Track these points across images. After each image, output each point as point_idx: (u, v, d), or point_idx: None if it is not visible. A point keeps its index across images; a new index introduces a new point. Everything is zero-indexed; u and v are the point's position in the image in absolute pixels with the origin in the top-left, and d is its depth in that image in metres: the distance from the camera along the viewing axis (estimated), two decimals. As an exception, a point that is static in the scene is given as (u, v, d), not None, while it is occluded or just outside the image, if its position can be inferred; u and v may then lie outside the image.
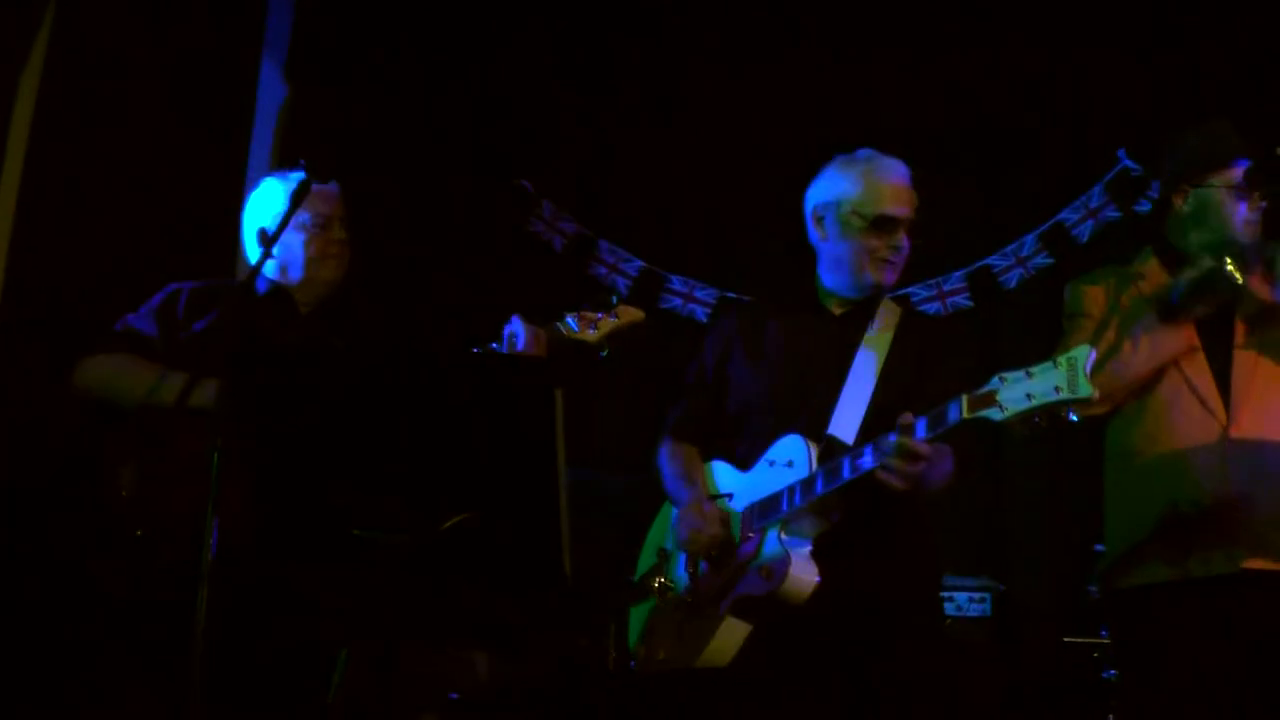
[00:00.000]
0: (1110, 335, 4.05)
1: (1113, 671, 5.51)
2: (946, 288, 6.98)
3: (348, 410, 3.23)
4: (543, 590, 4.67)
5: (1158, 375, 4.08)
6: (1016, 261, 7.01)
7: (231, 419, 3.22)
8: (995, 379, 3.46)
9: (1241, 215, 4.09)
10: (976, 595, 6.11)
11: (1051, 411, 3.41)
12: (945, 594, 5.95)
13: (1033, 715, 5.98)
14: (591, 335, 4.55)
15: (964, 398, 3.51)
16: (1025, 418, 3.42)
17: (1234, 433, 3.98)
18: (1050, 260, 6.95)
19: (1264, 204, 3.98)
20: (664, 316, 7.11)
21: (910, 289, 6.86)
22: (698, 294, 7.17)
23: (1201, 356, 4.07)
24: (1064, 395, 3.35)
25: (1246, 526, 3.90)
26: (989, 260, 7.03)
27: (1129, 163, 6.90)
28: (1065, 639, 5.95)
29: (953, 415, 3.53)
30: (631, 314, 4.46)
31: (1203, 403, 4.02)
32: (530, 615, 5.31)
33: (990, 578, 6.21)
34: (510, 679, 5.33)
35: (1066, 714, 5.90)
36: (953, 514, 6.27)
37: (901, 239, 4.05)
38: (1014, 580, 6.37)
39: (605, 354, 4.63)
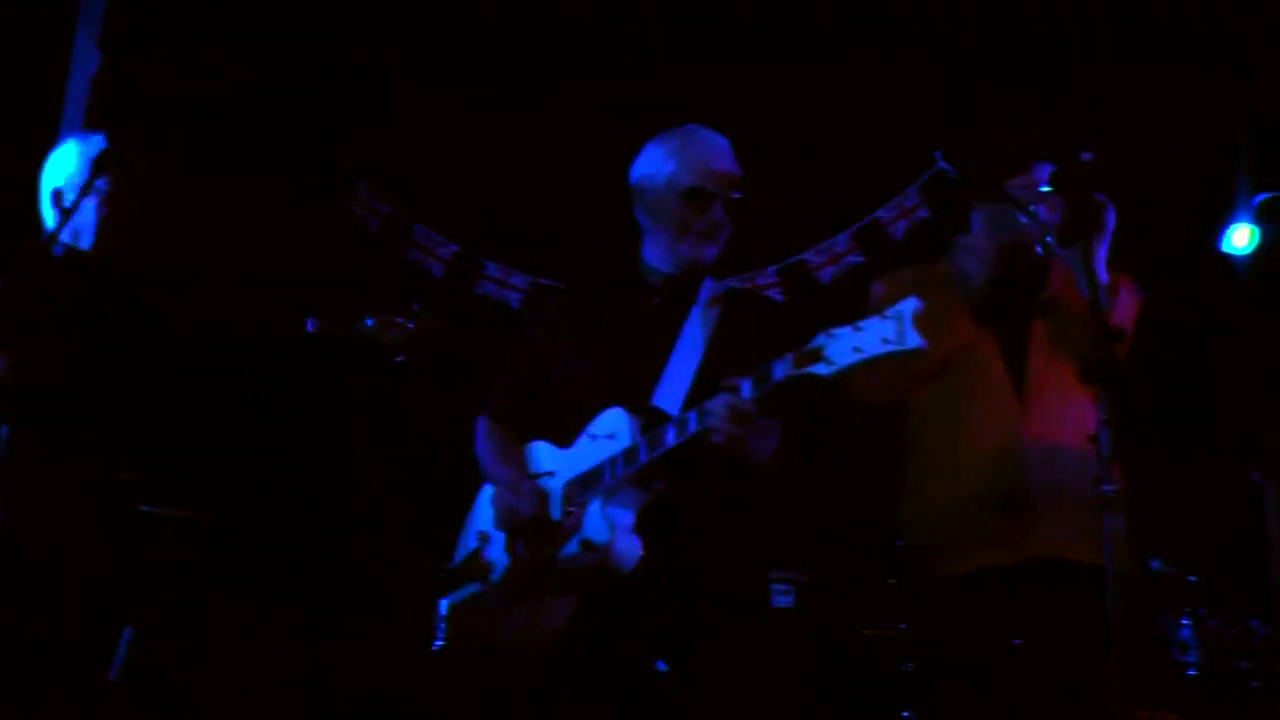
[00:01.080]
0: None
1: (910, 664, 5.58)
2: (759, 281, 7.02)
3: (138, 387, 3.15)
4: (339, 570, 4.62)
5: (956, 372, 4.13)
6: (830, 258, 7.08)
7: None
8: (821, 335, 3.44)
9: (1042, 217, 4.16)
10: (780, 586, 6.14)
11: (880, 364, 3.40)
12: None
13: (834, 707, 6.03)
14: (391, 338, 4.53)
15: (790, 355, 3.49)
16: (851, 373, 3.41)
17: (1028, 432, 4.04)
18: (863, 258, 7.03)
19: (1065, 207, 4.03)
20: (478, 302, 7.05)
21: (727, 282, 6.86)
22: (512, 280, 7.13)
23: (998, 355, 4.13)
24: (892, 347, 3.32)
25: (1038, 523, 3.97)
26: (803, 256, 7.09)
27: (944, 164, 7.01)
28: (865, 630, 6.00)
29: (778, 372, 3.51)
30: (432, 323, 4.43)
31: (999, 401, 4.08)
32: (333, 596, 5.23)
33: (793, 569, 6.24)
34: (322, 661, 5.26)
35: (865, 707, 5.96)
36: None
37: (717, 213, 4.03)
38: (821, 572, 6.40)
39: (402, 359, 4.60)
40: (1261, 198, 4.93)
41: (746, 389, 3.59)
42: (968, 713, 3.99)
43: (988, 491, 4.02)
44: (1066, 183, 3.93)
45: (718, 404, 3.60)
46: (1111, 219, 4.00)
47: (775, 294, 7.01)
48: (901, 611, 5.55)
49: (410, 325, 4.48)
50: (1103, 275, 3.98)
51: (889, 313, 3.34)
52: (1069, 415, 4.05)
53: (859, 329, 3.37)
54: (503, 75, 7.27)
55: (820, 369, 3.42)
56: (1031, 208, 4.07)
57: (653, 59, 7.18)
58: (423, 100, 7.26)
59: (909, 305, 3.33)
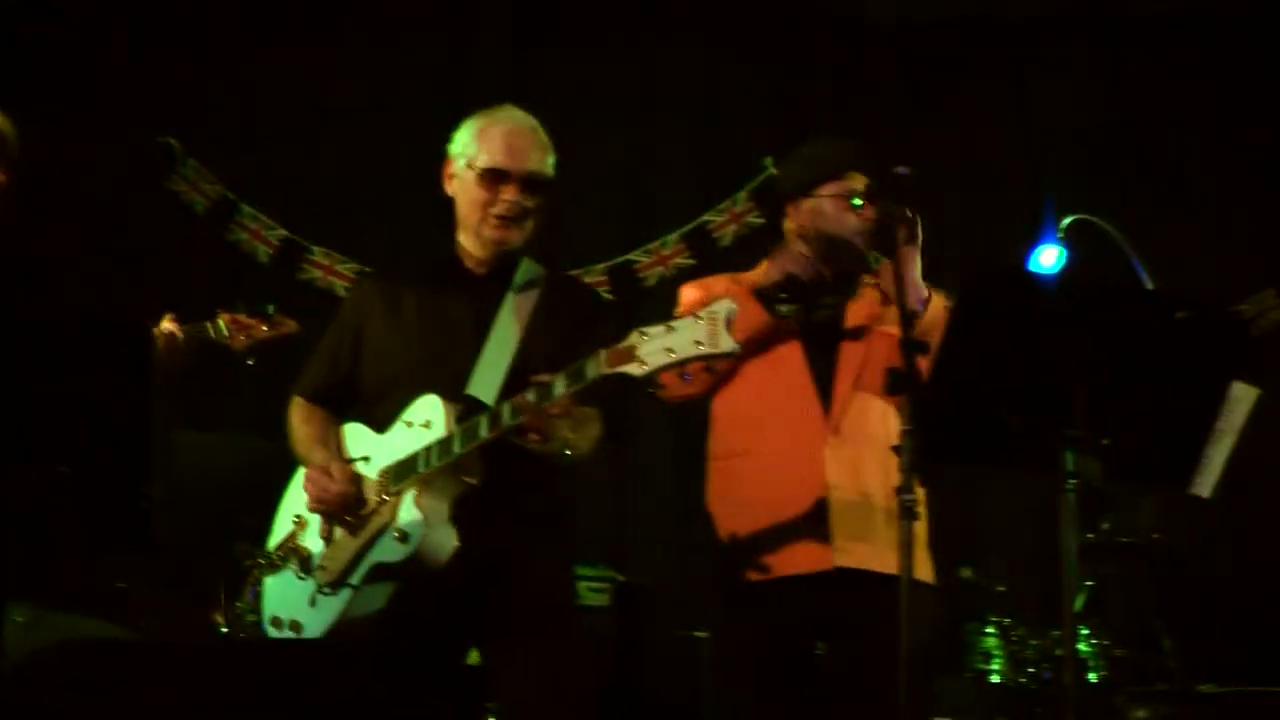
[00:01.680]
0: None
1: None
2: (588, 280, 7.02)
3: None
4: (131, 551, 4.53)
5: (763, 379, 4.16)
6: (658, 259, 7.10)
7: None
8: (635, 333, 3.42)
9: (852, 227, 4.21)
10: (596, 585, 6.14)
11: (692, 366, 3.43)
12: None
13: (640, 709, 6.05)
14: (241, 342, 4.47)
15: (602, 353, 3.48)
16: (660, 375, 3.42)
17: (833, 439, 4.09)
18: (693, 261, 7.07)
19: (877, 219, 4.07)
20: (302, 288, 6.97)
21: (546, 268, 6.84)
22: (339, 268, 7.05)
23: (804, 362, 4.17)
24: (705, 350, 3.32)
25: (840, 530, 4.03)
26: (630, 256, 7.11)
27: (775, 172, 7.06)
28: (678, 633, 6.03)
29: (590, 371, 3.50)
30: (286, 326, 4.38)
31: (805, 409, 4.13)
32: (131, 577, 5.13)
33: (611, 567, 6.25)
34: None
35: (668, 710, 5.99)
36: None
37: (515, 195, 3.97)
38: (636, 572, 6.42)
39: (252, 363, 4.53)
40: (1069, 220, 5.06)
41: (558, 387, 3.58)
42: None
43: (792, 499, 4.06)
44: (880, 194, 3.98)
45: (529, 401, 3.59)
46: (919, 233, 4.07)
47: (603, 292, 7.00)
48: (709, 614, 5.56)
49: (266, 327, 4.43)
50: (920, 289, 4.05)
51: (703, 314, 3.34)
52: (874, 425, 4.11)
53: (672, 329, 3.37)
54: (333, 61, 7.21)
55: (632, 369, 3.42)
56: (843, 215, 4.14)
57: (482, 52, 7.18)
58: (253, 80, 7.16)
59: (723, 307, 3.34)
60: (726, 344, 3.32)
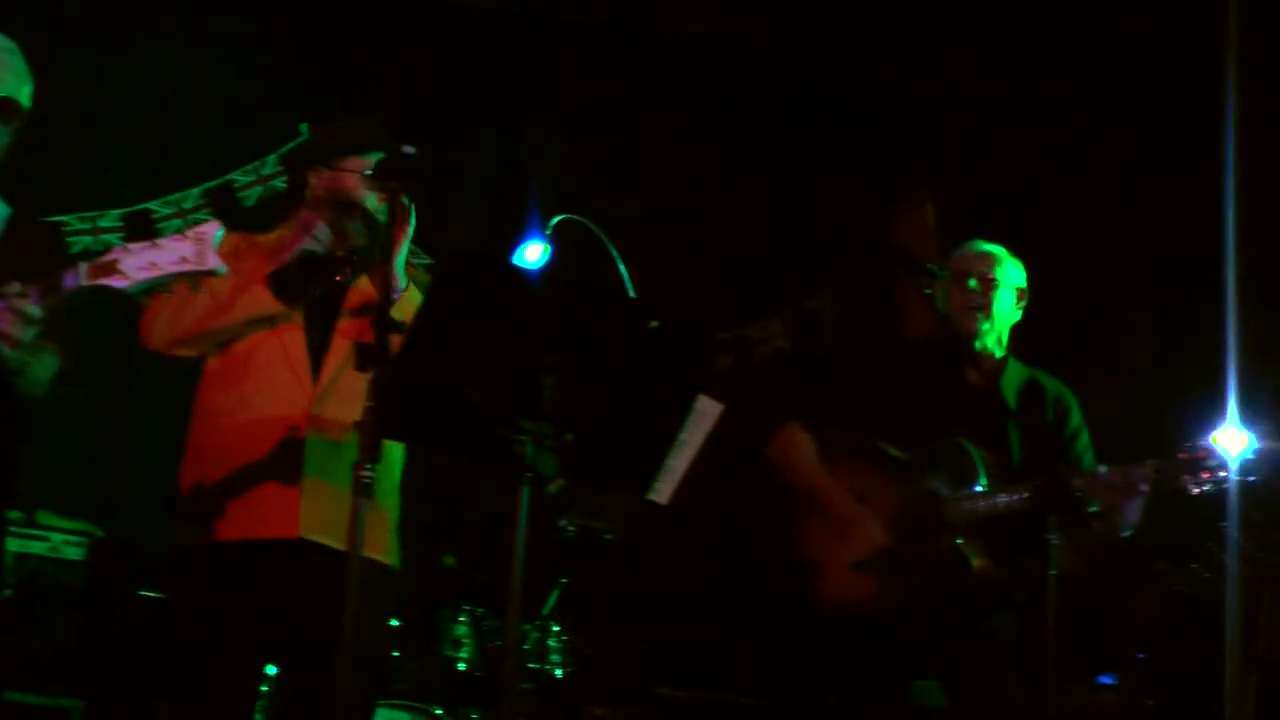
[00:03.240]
0: (216, 282, 4.02)
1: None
2: (101, 224, 6.78)
3: None
4: None
5: (258, 343, 4.10)
6: (178, 212, 6.92)
7: None
8: (118, 248, 3.46)
9: (365, 200, 4.19)
10: (72, 539, 5.93)
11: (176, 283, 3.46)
12: (40, 532, 5.78)
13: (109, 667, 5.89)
14: None
15: (82, 265, 3.44)
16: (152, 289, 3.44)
17: (317, 412, 4.06)
18: (211, 218, 6.89)
19: (392, 195, 4.05)
20: None
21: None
22: None
23: (301, 330, 4.13)
24: (190, 267, 3.38)
25: (309, 502, 4.00)
26: (150, 205, 6.90)
27: (309, 139, 6.98)
28: (142, 592, 5.89)
29: (69, 281, 3.45)
30: None
31: (295, 378, 4.08)
32: None
33: (94, 523, 6.06)
34: None
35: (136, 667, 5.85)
36: (56, 449, 6.15)
37: None
38: (118, 528, 6.24)
39: None
40: (557, 219, 5.18)
41: (34, 296, 3.51)
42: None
43: (266, 465, 4.01)
44: (386, 173, 3.97)
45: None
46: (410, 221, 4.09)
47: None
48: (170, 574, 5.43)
49: None
50: (403, 274, 4.06)
51: (190, 233, 3.41)
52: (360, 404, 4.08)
53: (158, 246, 3.42)
54: None
55: (116, 282, 3.41)
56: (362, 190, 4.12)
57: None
58: None
59: (211, 229, 3.44)
60: (211, 261, 3.40)
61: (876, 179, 7.57)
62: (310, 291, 4.16)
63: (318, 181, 4.27)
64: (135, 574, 6.06)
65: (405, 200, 3.94)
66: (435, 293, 3.52)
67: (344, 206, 4.21)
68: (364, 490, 3.50)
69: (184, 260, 3.33)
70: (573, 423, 3.52)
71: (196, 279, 3.49)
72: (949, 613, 4.68)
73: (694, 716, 6.38)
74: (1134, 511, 4.57)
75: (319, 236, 4.23)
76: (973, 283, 4.82)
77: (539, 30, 7.36)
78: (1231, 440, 4.48)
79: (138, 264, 3.36)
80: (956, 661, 4.70)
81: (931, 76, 7.36)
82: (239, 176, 7.02)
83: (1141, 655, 6.02)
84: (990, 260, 4.89)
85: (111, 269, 3.37)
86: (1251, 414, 4.64)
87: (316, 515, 3.99)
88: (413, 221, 4.02)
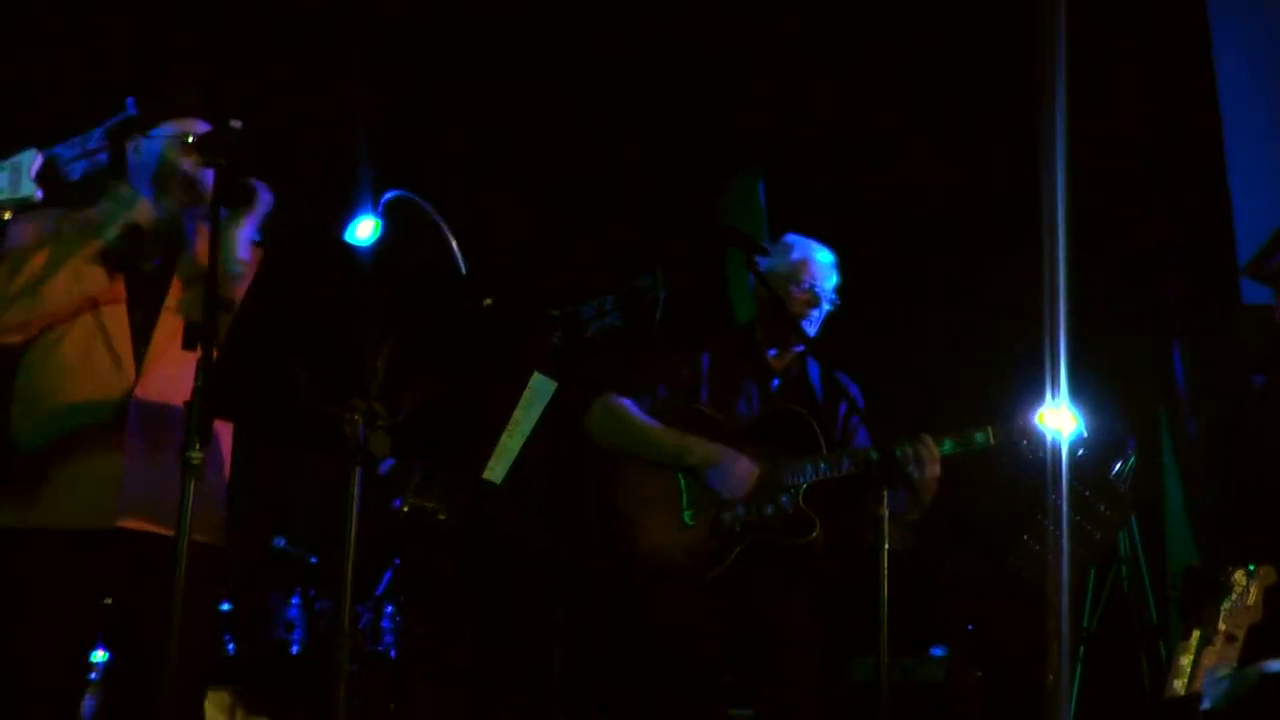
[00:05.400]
0: (37, 262, 3.92)
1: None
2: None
3: None
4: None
5: (76, 320, 3.98)
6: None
7: None
8: None
9: (184, 168, 4.10)
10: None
11: None
12: None
13: None
14: None
15: None
16: None
17: (139, 393, 3.95)
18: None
19: (218, 169, 3.96)
20: None
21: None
22: None
23: (123, 308, 4.02)
24: (5, 196, 3.38)
25: (130, 488, 3.88)
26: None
27: (134, 112, 6.83)
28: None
29: None
30: None
31: (115, 356, 3.97)
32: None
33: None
34: None
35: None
36: None
37: None
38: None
39: None
40: (389, 196, 5.15)
41: None
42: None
43: (83, 451, 3.90)
44: (212, 146, 3.89)
45: None
46: (266, 199, 4.02)
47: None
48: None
49: None
50: (243, 251, 3.97)
51: (5, 163, 3.41)
52: (185, 384, 3.98)
53: None
54: None
55: None
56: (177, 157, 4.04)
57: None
58: None
59: (29, 155, 3.46)
60: (27, 189, 3.40)
61: (705, 157, 7.61)
62: (139, 265, 4.05)
63: (136, 147, 4.18)
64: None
65: (245, 177, 3.88)
66: (265, 270, 3.45)
67: (161, 175, 4.12)
68: (191, 471, 3.42)
69: None
70: (405, 402, 3.48)
71: (11, 207, 3.41)
72: (777, 574, 4.75)
73: (526, 694, 6.37)
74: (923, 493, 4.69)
75: (138, 207, 4.12)
76: (811, 288, 5.00)
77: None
78: (1058, 418, 4.59)
79: None
80: (774, 627, 4.76)
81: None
82: (63, 150, 6.84)
83: (971, 627, 6.14)
84: (829, 272, 5.08)
85: None
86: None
87: (136, 501, 3.89)
88: (264, 199, 3.96)
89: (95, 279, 3.98)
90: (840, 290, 5.07)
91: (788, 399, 4.99)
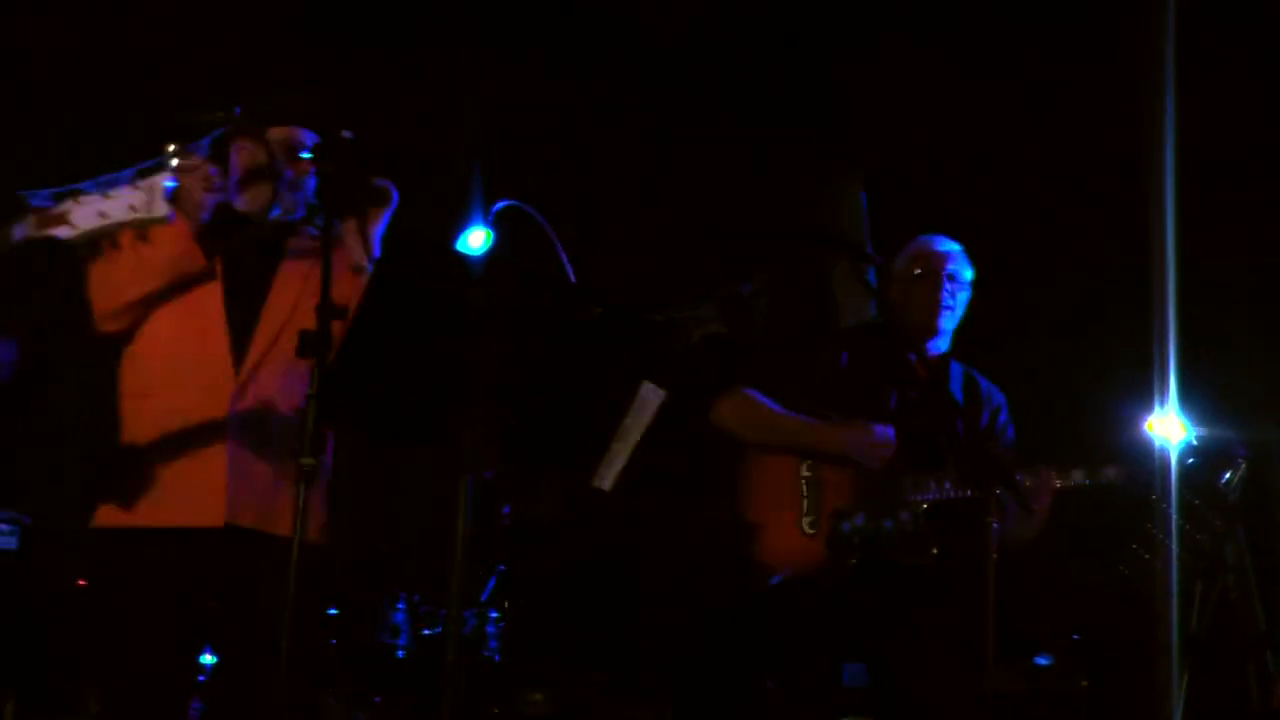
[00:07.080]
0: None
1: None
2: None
3: None
4: None
5: (180, 321, 3.98)
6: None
7: None
8: (68, 199, 3.32)
9: (289, 175, 4.12)
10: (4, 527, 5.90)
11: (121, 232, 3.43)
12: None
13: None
14: None
15: (31, 216, 3.36)
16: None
17: (241, 394, 3.94)
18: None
19: (322, 178, 3.97)
20: None
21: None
22: None
23: (224, 313, 4.00)
24: (139, 216, 3.29)
25: (236, 488, 3.89)
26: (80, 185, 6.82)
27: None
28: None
29: (17, 234, 3.37)
30: None
31: (215, 359, 3.95)
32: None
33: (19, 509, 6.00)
34: None
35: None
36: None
37: None
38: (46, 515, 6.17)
39: None
40: (499, 206, 5.16)
41: None
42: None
43: (189, 451, 3.92)
44: (326, 154, 3.92)
45: None
46: (393, 199, 4.03)
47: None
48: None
49: None
50: (377, 249, 3.98)
51: (141, 184, 3.31)
52: (290, 385, 4.01)
53: (109, 196, 3.31)
54: None
55: (62, 233, 3.31)
56: (278, 166, 4.06)
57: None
58: None
59: (162, 179, 3.32)
60: (161, 210, 3.29)
61: (810, 164, 7.60)
62: (233, 244, 4.05)
63: (236, 153, 4.19)
64: (67, 562, 6.01)
65: (371, 179, 3.91)
66: (379, 280, 3.48)
67: (261, 173, 4.13)
68: (306, 478, 3.45)
69: (132, 209, 3.27)
70: (516, 410, 3.50)
71: (145, 227, 3.43)
72: (895, 590, 4.72)
73: (630, 699, 6.39)
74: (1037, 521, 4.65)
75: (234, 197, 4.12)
76: (945, 281, 4.90)
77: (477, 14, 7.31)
78: (1168, 428, 4.54)
79: (86, 214, 3.31)
80: (894, 642, 4.72)
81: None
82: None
83: (1078, 636, 6.09)
84: (960, 260, 4.97)
85: (61, 219, 3.32)
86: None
87: (243, 501, 3.92)
88: (395, 197, 3.98)
89: (195, 256, 3.97)
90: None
91: (926, 407, 4.90)
